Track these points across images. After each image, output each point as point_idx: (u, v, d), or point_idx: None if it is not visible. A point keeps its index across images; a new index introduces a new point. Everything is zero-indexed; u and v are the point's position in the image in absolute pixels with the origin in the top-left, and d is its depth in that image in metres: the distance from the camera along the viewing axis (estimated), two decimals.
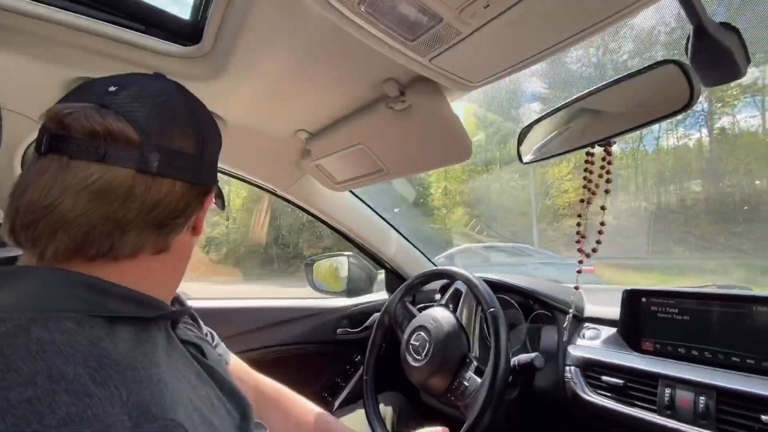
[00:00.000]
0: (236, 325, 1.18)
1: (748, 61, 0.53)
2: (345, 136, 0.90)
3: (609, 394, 0.78)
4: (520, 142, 0.75)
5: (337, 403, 1.32)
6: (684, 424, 0.67)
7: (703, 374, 0.70)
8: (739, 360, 0.70)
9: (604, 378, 0.79)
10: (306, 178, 1.17)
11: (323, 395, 1.33)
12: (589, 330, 0.92)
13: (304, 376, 1.31)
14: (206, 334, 0.60)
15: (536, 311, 1.07)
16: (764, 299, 0.70)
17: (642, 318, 0.84)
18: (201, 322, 0.58)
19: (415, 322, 0.99)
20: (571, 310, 0.90)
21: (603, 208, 0.59)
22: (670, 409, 0.69)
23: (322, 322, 1.36)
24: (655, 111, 0.51)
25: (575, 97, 0.61)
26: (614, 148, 0.55)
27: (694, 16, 0.50)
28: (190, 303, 1.16)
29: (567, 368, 0.86)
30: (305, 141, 0.98)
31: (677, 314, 0.80)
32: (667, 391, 0.71)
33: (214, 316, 1.17)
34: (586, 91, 0.60)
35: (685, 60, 0.49)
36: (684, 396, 0.69)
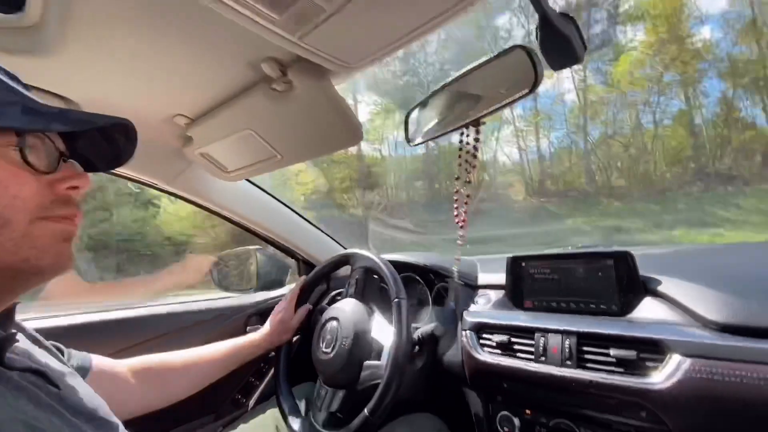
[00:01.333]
0: (132, 337, 1.05)
1: (585, 48, 0.61)
2: (230, 120, 0.83)
3: (498, 351, 0.87)
4: (406, 126, 0.77)
5: (251, 403, 1.27)
6: (554, 367, 0.77)
7: (569, 322, 0.82)
8: (594, 306, 0.83)
9: (494, 337, 0.88)
10: (194, 168, 1.07)
11: (236, 397, 1.26)
12: (481, 297, 1.01)
13: (215, 381, 1.23)
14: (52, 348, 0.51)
15: (438, 284, 1.14)
16: (610, 254, 0.84)
17: (524, 280, 0.94)
18: (41, 339, 0.49)
19: (327, 313, 0.97)
20: (455, 278, 0.98)
21: (468, 182, 0.64)
22: (544, 356, 0.79)
23: (230, 321, 1.28)
24: (508, 94, 0.56)
25: (447, 81, 0.64)
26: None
27: (539, 5, 0.55)
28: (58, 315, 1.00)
29: (463, 333, 0.94)
30: (185, 127, 0.89)
31: (550, 274, 0.91)
32: (542, 340, 0.81)
33: (102, 330, 1.02)
34: (455, 76, 0.63)
35: (533, 46, 0.55)
36: (554, 343, 0.79)
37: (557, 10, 0.55)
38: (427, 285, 1.17)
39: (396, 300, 0.83)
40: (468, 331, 0.93)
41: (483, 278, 1.07)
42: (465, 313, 0.98)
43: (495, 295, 1.00)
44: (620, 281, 0.81)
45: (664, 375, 0.67)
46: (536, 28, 0.58)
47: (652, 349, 0.70)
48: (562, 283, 0.89)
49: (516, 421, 0.83)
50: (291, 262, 1.54)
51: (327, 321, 0.95)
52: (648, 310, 0.77)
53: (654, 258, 0.98)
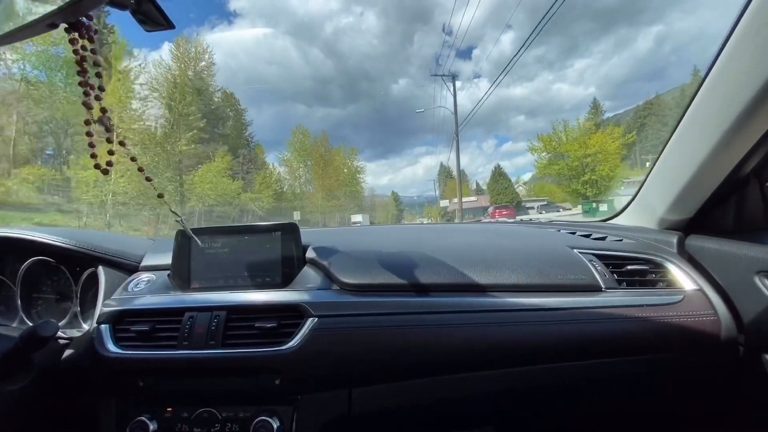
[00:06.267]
0: None
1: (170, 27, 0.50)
2: None
3: (136, 343, 0.70)
4: None
5: None
6: (197, 351, 0.68)
7: (224, 298, 0.74)
8: (261, 280, 0.79)
9: (134, 327, 0.70)
10: None
11: None
12: (141, 281, 0.82)
13: None
14: None
15: (87, 270, 0.86)
16: (278, 227, 0.82)
17: (193, 257, 0.82)
18: None
19: None
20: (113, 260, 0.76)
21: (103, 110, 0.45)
22: (188, 340, 0.68)
23: None
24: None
25: None
26: None
27: None
28: None
29: (96, 328, 0.72)
30: None
31: (220, 248, 0.82)
32: (188, 322, 0.70)
33: None
34: None
35: None
36: (201, 322, 0.70)
37: None
38: (72, 273, 0.87)
39: None
40: (103, 325, 0.72)
41: (150, 259, 0.88)
42: (105, 303, 0.76)
43: (158, 277, 0.83)
44: (285, 253, 0.81)
45: (297, 338, 0.68)
46: None
47: (293, 315, 0.71)
48: (232, 259, 0.81)
49: (152, 425, 0.68)
50: None
51: None
52: (306, 279, 0.79)
53: (316, 234, 1.06)
